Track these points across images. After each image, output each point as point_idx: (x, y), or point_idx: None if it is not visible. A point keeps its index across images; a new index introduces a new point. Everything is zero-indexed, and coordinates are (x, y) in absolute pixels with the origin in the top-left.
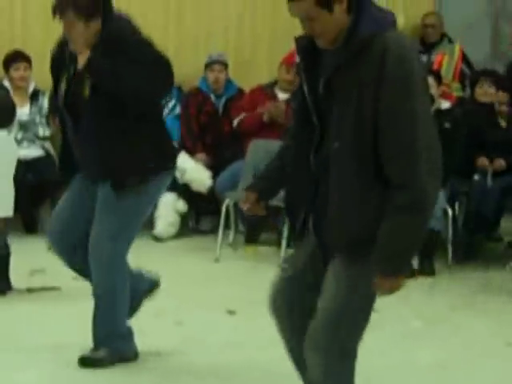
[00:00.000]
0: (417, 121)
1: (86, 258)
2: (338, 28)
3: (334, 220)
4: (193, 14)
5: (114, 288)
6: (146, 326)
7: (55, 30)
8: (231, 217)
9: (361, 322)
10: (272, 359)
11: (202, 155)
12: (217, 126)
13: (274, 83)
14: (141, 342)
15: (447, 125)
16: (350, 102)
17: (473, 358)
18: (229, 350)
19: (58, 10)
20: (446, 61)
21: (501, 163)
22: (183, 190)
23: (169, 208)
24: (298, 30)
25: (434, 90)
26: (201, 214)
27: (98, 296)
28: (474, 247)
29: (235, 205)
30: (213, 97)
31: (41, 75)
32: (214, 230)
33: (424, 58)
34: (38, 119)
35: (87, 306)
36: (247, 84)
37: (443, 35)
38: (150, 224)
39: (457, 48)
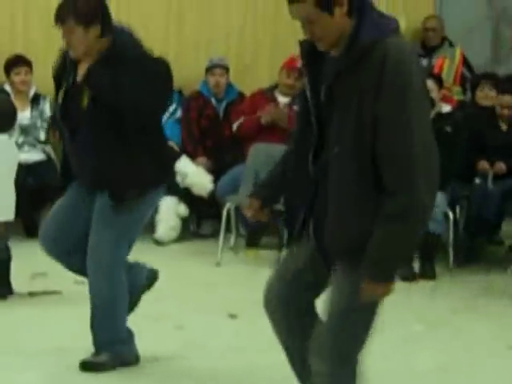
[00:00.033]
0: (412, 131)
1: (82, 260)
2: (339, 31)
3: (333, 226)
4: (194, 17)
5: (114, 298)
6: (147, 330)
7: (56, 34)
8: (232, 221)
9: (364, 328)
10: (274, 363)
11: (202, 159)
12: (217, 130)
13: (274, 87)
14: (142, 346)
15: (448, 128)
16: (351, 109)
17: (474, 362)
18: (230, 354)
19: (60, 17)
20: (447, 64)
21: (501, 167)
22: (184, 194)
23: (170, 212)
24: (300, 35)
25: (434, 93)
26: (202, 217)
27: (96, 305)
28: (475, 251)
29: (236, 209)
30: (214, 101)
31: (42, 80)
32: (214, 234)
33: (425, 61)
34: (38, 123)
35: (88, 309)
36: (248, 88)
37: (444, 39)
38: (151, 228)
39: (457, 52)
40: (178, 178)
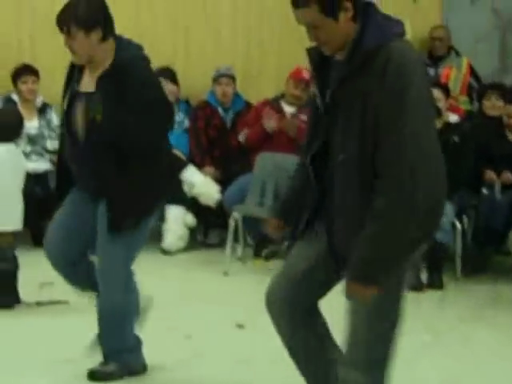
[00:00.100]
0: (407, 135)
1: (87, 271)
2: (344, 36)
3: (342, 234)
4: (201, 27)
5: (126, 308)
6: (154, 339)
7: (63, 44)
8: (239, 230)
9: (393, 331)
10: (282, 373)
11: (210, 169)
12: (225, 139)
13: (280, 97)
14: (149, 355)
15: (455, 138)
16: (354, 114)
17: (483, 371)
18: (238, 364)
19: (61, 23)
20: (454, 74)
21: (508, 177)
22: (192, 204)
23: (177, 222)
24: (306, 44)
25: (441, 103)
26: (209, 227)
27: (107, 315)
28: (482, 261)
29: (243, 218)
30: (221, 110)
31: (49, 89)
32: (222, 244)
33: (431, 71)
34: (46, 133)
35: (95, 319)
36: (254, 98)
37: (450, 48)
38: (158, 237)
39: (464, 61)
40: (186, 188)
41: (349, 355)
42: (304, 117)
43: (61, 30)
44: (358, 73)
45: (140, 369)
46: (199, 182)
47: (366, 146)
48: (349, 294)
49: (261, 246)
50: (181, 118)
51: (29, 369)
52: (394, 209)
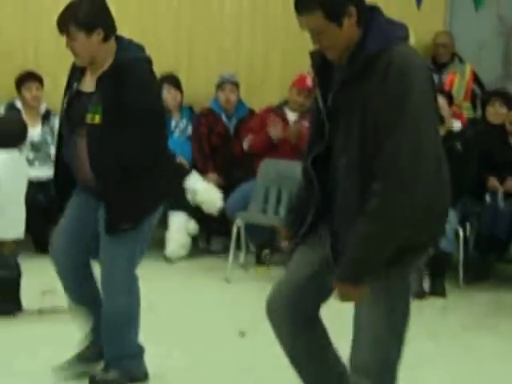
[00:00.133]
0: (403, 144)
1: (87, 281)
2: (347, 41)
3: (345, 240)
4: (204, 35)
5: (130, 314)
6: (157, 347)
7: (67, 50)
8: (242, 237)
9: (403, 337)
10: (284, 381)
11: (213, 175)
12: (228, 146)
13: (283, 104)
14: (150, 362)
15: (459, 145)
16: (355, 118)
17: (485, 379)
18: (240, 372)
19: (61, 25)
20: (457, 81)
21: (511, 184)
22: (194, 211)
23: (180, 229)
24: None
25: (445, 110)
26: (212, 234)
27: (111, 321)
28: (485, 268)
29: (246, 225)
30: (224, 117)
31: (53, 96)
32: (224, 251)
33: (435, 77)
34: (49, 139)
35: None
36: (258, 105)
37: (454, 55)
38: (161, 244)
39: (467, 68)
40: (188, 195)
41: (360, 363)
42: (306, 123)
43: (62, 31)
44: (360, 76)
45: (141, 376)
46: (202, 189)
47: (366, 150)
48: (339, 295)
49: (262, 248)
50: (184, 125)
51: (30, 376)
52: (389, 210)
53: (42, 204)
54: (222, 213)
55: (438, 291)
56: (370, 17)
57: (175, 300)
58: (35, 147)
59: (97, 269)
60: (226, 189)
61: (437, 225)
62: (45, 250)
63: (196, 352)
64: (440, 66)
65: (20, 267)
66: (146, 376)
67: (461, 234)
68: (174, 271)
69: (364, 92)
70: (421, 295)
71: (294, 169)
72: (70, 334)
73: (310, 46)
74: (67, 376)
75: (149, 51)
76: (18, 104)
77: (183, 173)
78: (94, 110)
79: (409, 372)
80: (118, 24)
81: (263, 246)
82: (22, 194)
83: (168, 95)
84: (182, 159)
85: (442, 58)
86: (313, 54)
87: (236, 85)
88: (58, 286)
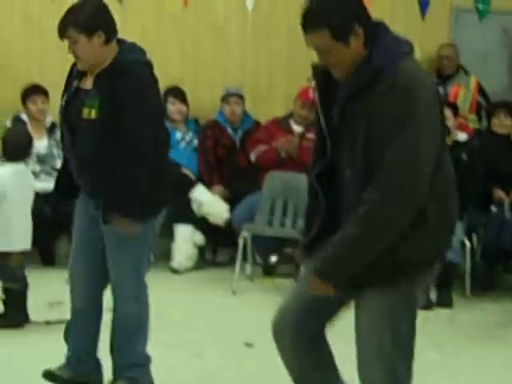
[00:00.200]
0: (398, 159)
1: (96, 311)
2: (353, 59)
3: None
4: (210, 47)
5: (138, 320)
6: (163, 357)
7: (72, 62)
8: (248, 249)
9: (412, 345)
10: None
11: (219, 187)
12: (234, 158)
13: (289, 116)
14: (157, 373)
15: (464, 157)
16: (360, 131)
17: None
18: (246, 383)
19: (62, 30)
20: (463, 93)
21: None
22: (200, 223)
23: (186, 241)
24: (314, 61)
25: (450, 121)
26: (218, 246)
27: (119, 328)
28: (491, 279)
29: (252, 237)
30: (230, 130)
31: (57, 109)
32: (231, 262)
33: (440, 89)
34: (55, 152)
35: (104, 338)
36: (263, 117)
37: (459, 67)
38: (167, 256)
39: (472, 80)
40: (194, 207)
41: (366, 378)
42: (311, 135)
43: (63, 35)
44: (365, 90)
45: None
46: (208, 201)
47: (370, 163)
48: (309, 288)
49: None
50: (190, 138)
51: None
52: (375, 218)
53: (48, 216)
54: (229, 224)
55: (444, 302)
56: (376, 33)
57: (182, 311)
58: (41, 160)
59: None
60: (232, 201)
61: (443, 241)
62: (51, 263)
63: (203, 363)
64: (445, 78)
65: (27, 279)
66: None
67: (467, 244)
68: (181, 283)
69: (369, 106)
70: (427, 306)
71: (299, 180)
72: None
73: (315, 58)
74: None
75: (154, 64)
76: (24, 117)
77: (189, 185)
78: (90, 105)
79: (415, 383)
80: (123, 37)
81: (270, 252)
82: (28, 206)
83: (173, 108)
84: (187, 171)
85: (446, 70)
86: (315, 67)
87: (241, 97)
88: (65, 297)
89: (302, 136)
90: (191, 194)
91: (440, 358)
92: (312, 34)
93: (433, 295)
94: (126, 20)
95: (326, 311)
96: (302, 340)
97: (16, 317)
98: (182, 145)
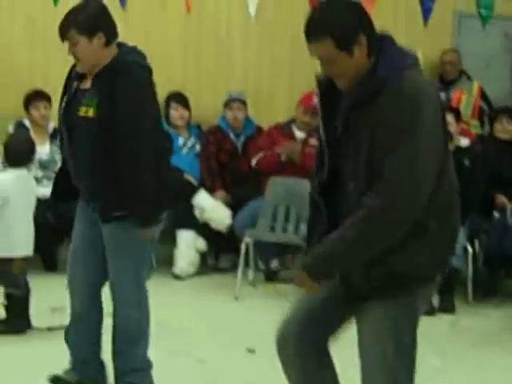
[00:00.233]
0: (399, 167)
1: (95, 316)
2: (357, 69)
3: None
4: (212, 52)
5: (140, 325)
6: (165, 364)
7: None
8: (250, 255)
9: (413, 356)
10: None
11: (221, 193)
12: (236, 164)
13: (291, 121)
14: (159, 380)
15: (466, 162)
16: (364, 142)
17: None
18: None
19: (62, 31)
20: (465, 98)
21: None
22: (203, 228)
23: (189, 247)
24: (316, 69)
25: (452, 127)
26: (220, 251)
27: (120, 333)
28: (494, 284)
29: (255, 243)
30: (232, 135)
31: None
32: (233, 268)
33: (442, 95)
34: (57, 158)
35: (105, 344)
36: (266, 123)
37: (462, 72)
38: (169, 261)
39: (475, 85)
40: (197, 213)
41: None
42: (314, 141)
43: (63, 36)
44: (369, 100)
45: None
46: (210, 207)
47: (373, 174)
48: (295, 280)
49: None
50: (192, 143)
51: None
52: (371, 223)
53: (51, 222)
54: (231, 230)
55: (447, 307)
56: (382, 45)
57: (184, 317)
58: (43, 166)
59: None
60: (234, 206)
61: (445, 252)
62: (53, 269)
63: (205, 369)
64: (447, 84)
65: (29, 285)
66: None
67: (469, 250)
68: (183, 288)
69: (373, 116)
70: (430, 311)
71: (302, 186)
72: None
73: (317, 64)
74: None
75: (156, 69)
76: (26, 123)
77: (191, 190)
78: (87, 103)
79: None
80: (124, 41)
81: (272, 258)
82: (30, 212)
83: (175, 113)
84: (189, 177)
85: (449, 75)
86: (318, 78)
87: (243, 103)
88: (67, 303)
89: (304, 142)
90: (193, 200)
91: (442, 363)
92: (315, 43)
93: (435, 301)
94: (129, 26)
95: (330, 322)
96: (305, 348)
97: (18, 323)
98: (185, 150)
